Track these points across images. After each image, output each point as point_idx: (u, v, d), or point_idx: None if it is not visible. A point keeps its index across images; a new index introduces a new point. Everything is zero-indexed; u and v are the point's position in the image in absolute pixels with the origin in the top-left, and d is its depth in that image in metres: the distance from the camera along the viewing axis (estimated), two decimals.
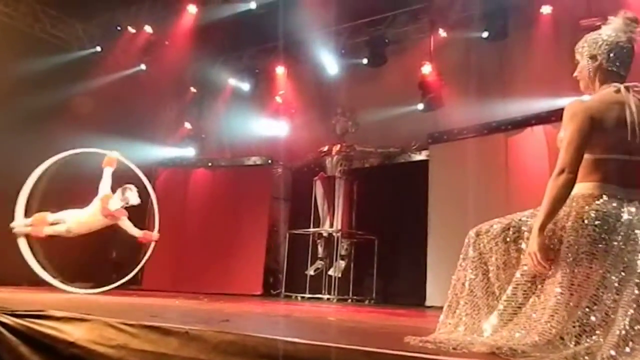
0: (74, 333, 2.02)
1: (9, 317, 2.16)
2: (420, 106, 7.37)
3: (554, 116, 6.29)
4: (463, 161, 6.92)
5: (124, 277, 5.93)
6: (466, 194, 6.62)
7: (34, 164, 7.36)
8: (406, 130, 7.75)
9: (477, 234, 1.89)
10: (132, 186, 5.75)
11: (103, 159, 5.86)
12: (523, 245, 1.78)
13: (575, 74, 2.00)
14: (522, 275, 1.74)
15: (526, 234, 1.79)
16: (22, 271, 7.15)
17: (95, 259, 8.11)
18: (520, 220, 1.85)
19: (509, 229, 1.85)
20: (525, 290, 1.71)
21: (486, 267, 1.84)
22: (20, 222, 5.65)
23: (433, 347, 1.61)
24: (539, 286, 1.69)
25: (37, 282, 7.20)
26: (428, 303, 6.68)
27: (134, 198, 5.67)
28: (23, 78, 7.17)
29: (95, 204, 5.67)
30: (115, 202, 5.59)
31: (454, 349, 1.56)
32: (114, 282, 5.89)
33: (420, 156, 7.80)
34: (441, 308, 1.98)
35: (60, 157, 5.81)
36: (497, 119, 6.94)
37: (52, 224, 5.72)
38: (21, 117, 7.23)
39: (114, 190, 5.73)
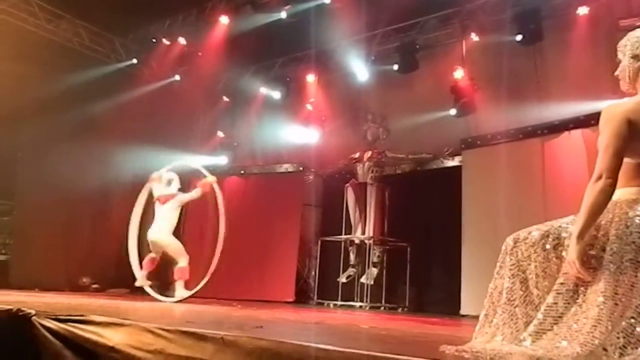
0: (113, 338, 2.08)
1: (52, 321, 2.24)
2: (453, 111, 7.29)
3: (593, 119, 6.07)
4: (497, 167, 6.78)
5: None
6: (501, 200, 6.48)
7: (76, 175, 7.66)
8: (438, 136, 7.66)
9: (515, 242, 1.85)
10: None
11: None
12: (563, 253, 1.73)
13: (616, 73, 1.94)
14: (562, 283, 1.69)
15: (566, 241, 1.73)
16: (63, 277, 7.43)
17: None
18: (560, 226, 1.80)
19: (548, 235, 1.80)
20: (566, 299, 1.65)
21: (524, 275, 1.79)
22: (141, 279, 5.85)
23: (469, 356, 1.58)
24: (581, 295, 1.64)
25: (79, 288, 7.45)
26: (463, 312, 6.55)
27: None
28: (64, 91, 7.46)
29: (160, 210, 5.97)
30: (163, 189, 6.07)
31: (491, 358, 1.53)
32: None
33: (453, 162, 7.69)
34: (476, 317, 1.94)
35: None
36: (533, 124, 6.78)
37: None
38: (62, 129, 7.52)
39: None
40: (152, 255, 5.90)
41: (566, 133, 6.45)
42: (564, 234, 1.76)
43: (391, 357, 1.46)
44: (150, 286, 5.96)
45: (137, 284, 5.84)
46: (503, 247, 1.87)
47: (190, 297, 5.79)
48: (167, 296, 5.94)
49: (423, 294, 7.63)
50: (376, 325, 3.33)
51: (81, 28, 8.30)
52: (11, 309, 2.42)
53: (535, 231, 1.83)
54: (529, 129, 6.80)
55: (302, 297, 8.19)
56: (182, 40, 8.57)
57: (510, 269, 1.81)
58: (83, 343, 2.14)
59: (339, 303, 7.56)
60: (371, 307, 7.33)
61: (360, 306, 7.41)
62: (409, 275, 7.53)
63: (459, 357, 1.57)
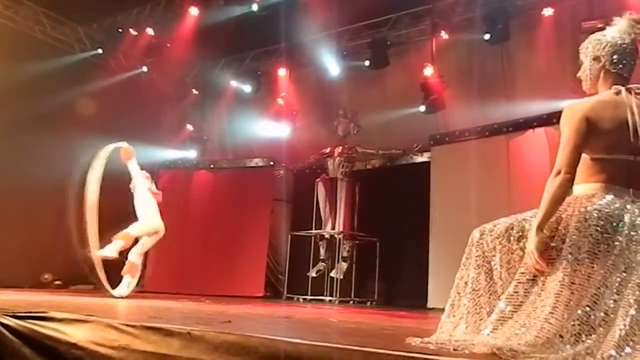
0: (75, 334, 2.02)
1: (11, 318, 2.17)
2: (422, 108, 7.38)
3: (556, 118, 6.26)
4: (465, 163, 6.92)
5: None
6: (468, 195, 6.61)
7: (38, 167, 7.40)
8: (408, 132, 7.76)
9: (481, 234, 1.90)
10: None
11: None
12: (526, 244, 1.79)
13: (578, 75, 2.01)
14: (523, 273, 1.75)
15: (529, 232, 1.80)
16: (23, 273, 7.19)
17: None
18: (523, 219, 1.86)
19: (512, 228, 1.86)
20: (526, 289, 1.71)
21: (489, 266, 1.85)
22: (108, 250, 5.34)
23: (434, 347, 1.61)
24: (540, 285, 1.70)
25: (40, 285, 7.22)
26: (430, 305, 6.67)
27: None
28: (24, 81, 7.20)
29: (145, 192, 5.83)
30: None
31: (455, 349, 1.56)
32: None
33: (422, 158, 7.80)
34: (443, 310, 1.98)
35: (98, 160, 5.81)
36: (499, 121, 6.94)
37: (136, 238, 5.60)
38: (23, 120, 7.25)
39: None
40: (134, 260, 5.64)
41: (530, 131, 6.62)
42: (527, 226, 1.82)
43: (359, 350, 1.47)
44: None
45: (101, 253, 5.41)
46: (469, 239, 1.92)
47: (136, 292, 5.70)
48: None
49: (392, 288, 7.73)
50: (345, 319, 3.36)
51: (42, 15, 8.01)
52: None
53: (500, 224, 1.89)
54: (495, 127, 6.96)
55: (271, 292, 8.18)
56: (150, 31, 8.38)
57: (476, 260, 1.86)
58: (44, 340, 2.08)
59: (309, 297, 7.59)
60: (340, 302, 7.39)
61: (330, 300, 7.45)
62: (378, 269, 7.62)
63: (424, 348, 1.60)
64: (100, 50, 8.60)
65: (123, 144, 5.97)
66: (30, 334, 2.10)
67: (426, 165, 7.57)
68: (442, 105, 7.27)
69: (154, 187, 6.11)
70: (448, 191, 7.04)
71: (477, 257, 1.87)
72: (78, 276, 7.75)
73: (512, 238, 1.84)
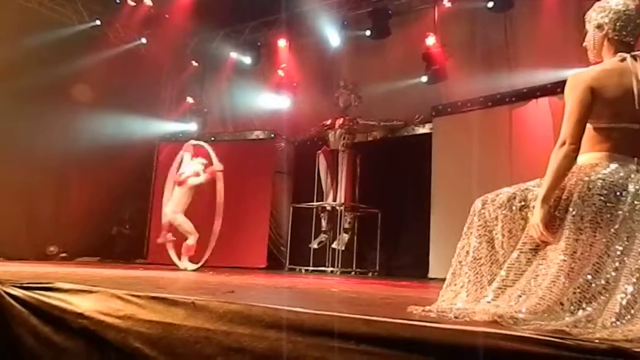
0: (81, 304, 2.05)
1: (18, 289, 2.19)
2: (424, 78, 7.31)
3: (560, 88, 6.15)
4: (467, 134, 6.88)
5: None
6: (470, 166, 6.61)
7: (40, 139, 7.40)
8: (410, 103, 7.69)
9: (483, 203, 1.90)
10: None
11: None
12: (529, 214, 1.79)
13: (584, 44, 1.98)
14: (525, 242, 1.75)
15: (532, 202, 1.80)
16: (29, 246, 7.27)
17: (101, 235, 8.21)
18: (526, 188, 1.86)
19: (515, 197, 1.85)
20: (528, 257, 1.72)
21: (491, 235, 1.85)
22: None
23: (435, 316, 1.63)
24: (542, 253, 1.71)
25: (45, 257, 7.32)
26: (431, 275, 6.75)
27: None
28: (23, 54, 7.12)
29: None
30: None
31: (455, 317, 1.58)
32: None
33: (424, 129, 7.76)
34: (444, 280, 2.00)
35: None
36: (502, 91, 6.88)
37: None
38: (24, 93, 7.20)
39: None
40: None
41: (533, 101, 6.56)
42: (529, 196, 1.82)
43: (360, 318, 1.49)
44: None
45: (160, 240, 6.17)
46: (471, 209, 1.92)
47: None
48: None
49: (393, 259, 7.80)
50: (347, 289, 3.40)
51: None
52: None
53: (502, 193, 1.89)
54: (497, 97, 6.90)
55: (274, 263, 8.26)
56: (147, 1, 8.24)
57: (478, 229, 1.87)
58: (50, 310, 2.11)
59: (311, 268, 7.67)
60: (342, 272, 7.47)
61: (332, 271, 7.53)
62: (380, 240, 7.67)
63: (426, 316, 1.62)
64: (98, 22, 8.48)
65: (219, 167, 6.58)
66: (37, 304, 2.13)
67: (428, 136, 7.54)
68: (445, 75, 7.19)
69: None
70: (450, 162, 7.03)
71: (478, 226, 1.87)
72: (83, 248, 7.86)
73: (514, 207, 1.83)
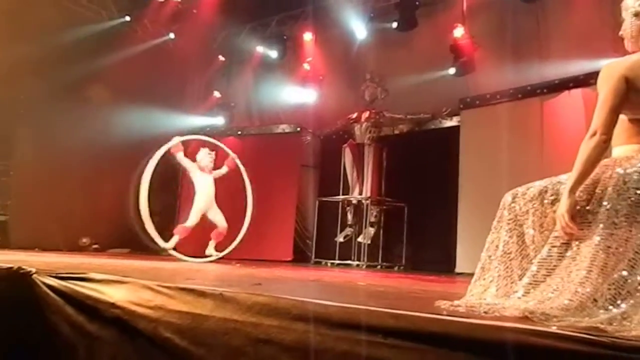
0: (114, 295, 2.11)
1: (53, 279, 2.27)
2: (452, 70, 7.20)
3: (593, 79, 5.99)
4: (496, 127, 6.75)
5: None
6: (499, 160, 6.49)
7: (70, 134, 7.61)
8: (437, 96, 7.59)
9: (513, 197, 1.86)
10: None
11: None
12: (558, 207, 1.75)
13: (620, 33, 1.91)
14: (557, 237, 1.71)
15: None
16: (63, 237, 7.49)
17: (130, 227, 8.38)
18: (558, 182, 1.81)
19: (546, 191, 1.81)
20: (560, 252, 1.68)
21: (521, 229, 1.82)
22: (169, 244, 6.03)
23: (464, 310, 1.61)
24: (575, 248, 1.66)
25: (78, 248, 7.53)
26: (458, 270, 6.67)
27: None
28: (54, 51, 7.30)
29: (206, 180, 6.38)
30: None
31: (485, 312, 1.56)
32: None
33: (452, 122, 7.65)
34: (471, 275, 1.98)
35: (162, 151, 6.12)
36: (532, 83, 6.72)
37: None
38: (55, 88, 7.40)
39: None
40: (186, 225, 6.26)
41: (566, 92, 6.39)
42: (562, 189, 1.78)
43: (388, 312, 1.48)
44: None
45: (167, 246, 6.03)
46: (501, 203, 1.89)
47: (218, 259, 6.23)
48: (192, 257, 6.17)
49: (419, 252, 7.74)
50: (373, 283, 3.39)
51: None
52: (11, 268, 2.44)
53: (533, 187, 1.85)
54: (528, 89, 6.74)
55: (299, 257, 8.30)
56: None
57: (508, 223, 1.84)
58: (84, 300, 2.17)
59: (336, 262, 7.68)
60: (368, 266, 7.46)
61: (358, 265, 7.52)
62: (406, 234, 7.63)
63: (454, 311, 1.61)
64: (127, 18, 8.62)
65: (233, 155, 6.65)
66: (71, 293, 2.20)
67: (455, 129, 7.43)
68: (473, 67, 7.07)
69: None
70: (478, 156, 6.92)
71: (509, 220, 1.84)
72: (114, 240, 8.06)
73: (545, 201, 1.79)
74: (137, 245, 7.80)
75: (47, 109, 7.46)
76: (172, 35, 9.06)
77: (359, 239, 7.72)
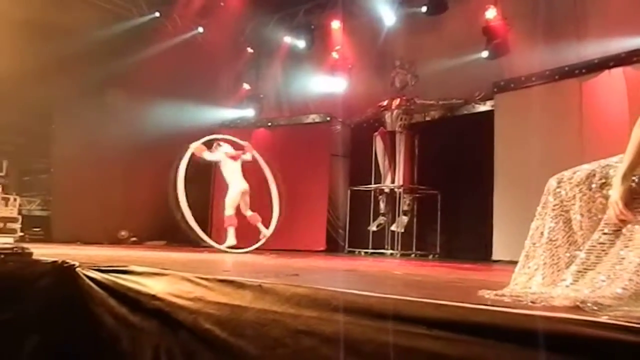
0: (154, 287, 2.14)
1: (96, 272, 2.32)
2: (485, 54, 7.01)
3: (636, 57, 5.77)
4: (532, 110, 6.54)
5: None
6: (535, 145, 6.30)
7: (108, 129, 7.80)
8: (469, 80, 7.40)
9: (559, 182, 1.78)
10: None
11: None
12: (610, 192, 1.66)
13: None
14: (607, 223, 1.63)
15: (614, 179, 1.67)
16: (102, 230, 7.71)
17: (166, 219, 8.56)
18: (607, 165, 1.72)
19: (594, 175, 1.73)
20: (611, 239, 1.60)
21: (568, 215, 1.74)
22: (230, 241, 6.35)
23: (509, 300, 1.56)
24: (628, 234, 1.58)
25: (117, 241, 7.74)
26: (495, 257, 6.54)
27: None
28: (87, 48, 7.46)
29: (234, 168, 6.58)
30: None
31: (532, 302, 1.50)
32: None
33: (485, 107, 7.47)
34: (509, 262, 1.92)
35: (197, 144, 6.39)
36: (570, 63, 6.46)
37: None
38: (90, 86, 7.58)
39: None
40: (230, 213, 6.49)
41: (606, 72, 6.13)
42: (611, 173, 1.69)
43: (430, 302, 1.45)
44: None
45: (228, 244, 6.29)
46: (546, 188, 1.82)
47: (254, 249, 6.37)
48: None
49: (454, 240, 7.63)
50: (409, 272, 3.35)
51: None
52: (56, 261, 2.52)
53: (580, 171, 1.77)
54: (565, 69, 6.50)
55: (332, 246, 8.30)
56: None
57: (553, 209, 1.76)
58: (126, 292, 2.22)
59: (370, 251, 7.65)
60: (402, 255, 7.40)
61: (391, 254, 7.47)
62: (440, 222, 7.53)
63: (499, 301, 1.56)
64: (157, 14, 8.73)
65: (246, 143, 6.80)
66: (113, 286, 2.25)
67: (489, 114, 7.25)
68: (507, 49, 6.86)
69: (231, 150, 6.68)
70: (513, 141, 6.73)
71: (554, 206, 1.77)
72: (151, 232, 8.24)
73: (593, 185, 1.71)
74: (173, 237, 7.96)
75: (82, 106, 7.66)
76: (200, 29, 9.13)
77: (392, 228, 7.66)
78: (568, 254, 1.70)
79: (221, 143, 6.72)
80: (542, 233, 1.78)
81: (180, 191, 6.01)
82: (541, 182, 1.90)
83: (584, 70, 6.32)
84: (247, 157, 6.72)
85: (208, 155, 6.52)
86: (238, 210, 6.59)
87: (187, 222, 6.05)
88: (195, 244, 6.46)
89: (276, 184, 6.83)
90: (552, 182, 1.80)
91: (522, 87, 6.87)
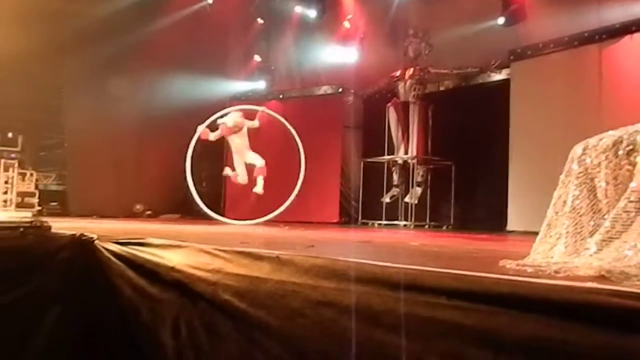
0: (172, 259, 2.15)
1: (115, 244, 2.34)
2: (501, 20, 6.83)
3: None
4: (550, 78, 6.40)
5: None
6: (553, 114, 6.19)
7: (120, 103, 7.80)
8: (485, 48, 7.23)
9: (584, 149, 1.73)
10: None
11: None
12: (638, 159, 1.61)
13: None
14: (634, 190, 1.59)
15: None
16: (118, 204, 7.79)
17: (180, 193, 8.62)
18: (635, 131, 1.67)
19: (621, 141, 1.67)
20: (638, 207, 1.56)
21: (592, 183, 1.70)
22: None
23: (532, 270, 1.53)
24: None
25: (133, 214, 7.82)
26: (509, 228, 6.50)
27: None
28: (95, 24, 7.40)
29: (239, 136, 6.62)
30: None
31: (555, 272, 1.48)
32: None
33: (501, 75, 7.32)
34: (524, 233, 1.90)
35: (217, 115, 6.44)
36: (590, 28, 6.26)
37: None
38: (100, 60, 7.55)
39: None
40: (240, 179, 6.64)
41: (627, 37, 5.94)
42: (639, 139, 1.63)
43: (451, 273, 1.43)
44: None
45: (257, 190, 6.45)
46: (569, 156, 1.77)
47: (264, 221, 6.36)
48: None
49: (468, 211, 7.59)
50: (426, 243, 3.34)
51: None
52: (75, 234, 2.54)
53: (606, 137, 1.71)
54: (585, 35, 6.30)
55: (345, 218, 8.32)
56: None
57: (577, 177, 1.72)
58: (144, 264, 2.24)
59: (383, 223, 7.65)
60: (416, 226, 7.39)
61: (405, 225, 7.47)
62: (454, 193, 7.48)
63: (522, 271, 1.53)
64: None
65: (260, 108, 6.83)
66: (132, 258, 2.27)
67: (505, 83, 7.10)
68: (524, 15, 6.67)
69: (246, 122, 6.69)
70: (530, 110, 6.60)
71: (578, 173, 1.72)
72: (165, 206, 8.32)
73: (620, 152, 1.66)
74: (187, 210, 8.03)
75: (94, 81, 7.65)
76: (210, 0, 8.98)
77: (406, 199, 7.63)
78: (592, 223, 1.67)
79: (226, 122, 6.61)
80: (565, 202, 1.74)
81: (188, 172, 6.07)
82: (559, 151, 1.85)
83: (604, 36, 6.13)
84: (254, 124, 6.66)
85: (212, 136, 6.53)
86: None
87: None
88: (209, 217, 6.51)
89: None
90: (577, 149, 1.75)
91: (539, 55, 6.70)
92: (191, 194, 6.20)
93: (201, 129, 6.32)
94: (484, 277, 1.37)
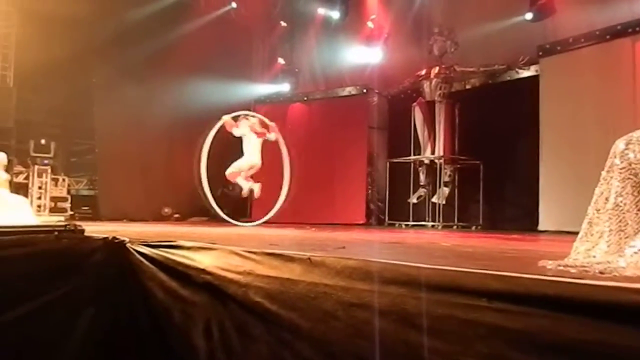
0: (203, 261, 2.15)
1: (146, 247, 2.36)
2: (529, 15, 6.70)
3: None
4: (580, 74, 6.23)
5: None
6: (585, 110, 6.02)
7: (148, 108, 7.92)
8: (512, 45, 7.10)
9: (627, 143, 1.66)
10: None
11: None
12: None
13: None
14: None
15: None
16: (147, 208, 7.91)
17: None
18: None
19: None
20: None
21: (637, 178, 1.62)
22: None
23: (575, 271, 1.47)
24: None
25: (161, 218, 7.92)
26: (541, 227, 6.34)
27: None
28: (125, 27, 7.54)
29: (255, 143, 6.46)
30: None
31: (601, 272, 1.42)
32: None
33: (529, 72, 7.16)
34: (557, 232, 1.82)
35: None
36: (622, 21, 6.08)
37: None
38: (129, 65, 7.68)
39: None
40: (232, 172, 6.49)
41: None
42: None
43: (491, 274, 1.38)
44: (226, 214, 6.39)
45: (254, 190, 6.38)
46: (612, 151, 1.70)
47: (262, 222, 6.27)
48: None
49: (497, 211, 7.46)
50: (458, 243, 3.27)
51: None
52: (107, 237, 2.57)
53: None
54: (617, 28, 6.12)
55: (372, 219, 8.26)
56: None
57: (620, 173, 1.64)
58: (176, 266, 2.25)
59: (411, 223, 7.57)
60: (444, 226, 7.29)
61: (433, 226, 7.38)
62: (482, 193, 7.35)
63: (564, 272, 1.47)
64: None
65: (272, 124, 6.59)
66: (163, 260, 2.28)
67: (534, 79, 6.94)
68: (553, 9, 6.52)
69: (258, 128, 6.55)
70: (561, 107, 6.43)
71: (621, 169, 1.64)
72: (193, 209, 8.41)
73: None
74: (214, 213, 8.10)
75: (122, 87, 7.80)
76: (234, 5, 9.07)
77: (433, 200, 7.54)
78: (636, 220, 1.59)
79: (249, 117, 6.61)
80: (607, 199, 1.67)
81: (203, 166, 6.04)
82: (593, 148, 1.79)
83: (637, 29, 5.94)
84: (271, 137, 6.52)
85: (236, 131, 6.46)
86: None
87: (206, 197, 6.07)
88: (235, 219, 6.55)
89: (290, 163, 6.63)
90: (620, 144, 1.68)
91: (569, 50, 6.54)
92: (202, 193, 6.14)
93: (226, 118, 6.27)
94: (525, 277, 1.32)
